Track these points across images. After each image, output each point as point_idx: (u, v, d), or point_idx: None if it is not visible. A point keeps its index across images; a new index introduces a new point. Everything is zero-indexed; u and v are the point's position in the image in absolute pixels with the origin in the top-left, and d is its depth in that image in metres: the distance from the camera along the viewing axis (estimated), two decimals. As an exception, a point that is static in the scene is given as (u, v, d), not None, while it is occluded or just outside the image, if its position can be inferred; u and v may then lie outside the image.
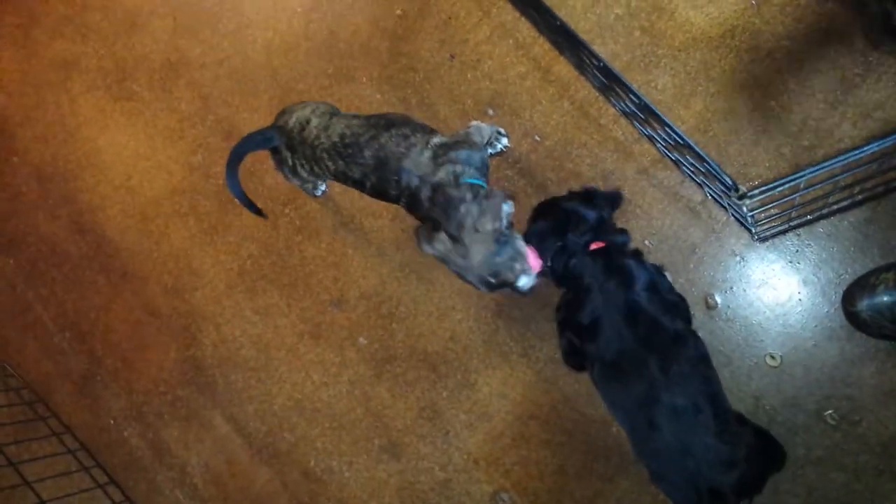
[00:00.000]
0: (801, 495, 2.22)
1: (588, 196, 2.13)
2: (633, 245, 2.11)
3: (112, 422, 3.12)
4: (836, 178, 1.46)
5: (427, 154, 2.02)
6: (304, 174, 2.25)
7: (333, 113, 2.23)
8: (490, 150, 2.53)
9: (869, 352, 2.18)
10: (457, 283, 2.60)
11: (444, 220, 1.95)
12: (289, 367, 2.84)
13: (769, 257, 2.29)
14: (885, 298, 2.04)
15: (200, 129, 3.02)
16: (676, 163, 2.05)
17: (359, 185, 2.14)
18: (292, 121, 2.20)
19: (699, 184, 1.93)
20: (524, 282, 1.96)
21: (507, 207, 1.91)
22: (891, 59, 2.17)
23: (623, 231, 2.10)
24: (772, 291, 2.28)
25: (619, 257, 1.96)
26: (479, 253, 1.89)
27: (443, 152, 2.02)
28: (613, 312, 1.86)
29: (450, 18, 2.67)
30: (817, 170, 1.24)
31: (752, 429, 1.93)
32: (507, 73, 2.59)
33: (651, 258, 2.37)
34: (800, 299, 2.25)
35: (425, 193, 1.99)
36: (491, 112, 2.59)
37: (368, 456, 2.71)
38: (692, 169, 1.73)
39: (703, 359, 1.89)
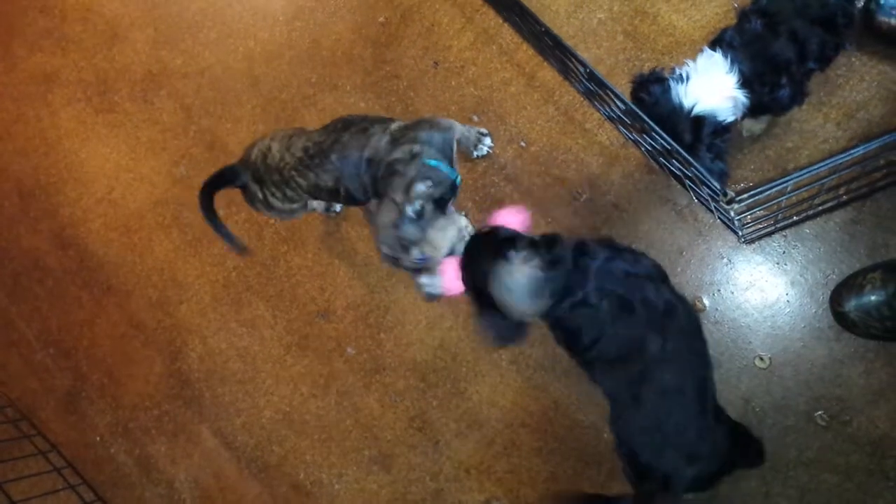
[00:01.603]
0: (793, 497, 2.21)
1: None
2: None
3: (98, 438, 3.08)
4: (823, 181, 1.46)
5: (386, 139, 2.00)
6: (279, 203, 2.23)
7: (294, 134, 2.20)
8: (476, 154, 2.52)
9: (857, 351, 2.17)
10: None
11: (386, 188, 1.93)
12: (276, 379, 2.82)
13: (756, 259, 2.29)
14: (873, 298, 2.05)
15: (183, 140, 3.00)
16: (662, 166, 2.04)
17: (334, 194, 2.13)
18: (254, 153, 2.18)
19: (685, 187, 1.93)
20: (424, 280, 1.91)
21: (422, 187, 1.86)
22: (873, 59, 2.18)
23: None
24: (759, 293, 2.28)
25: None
26: (382, 217, 1.88)
27: (401, 134, 2.00)
28: (608, 328, 1.77)
29: (433, 25, 2.66)
30: (804, 173, 1.24)
31: (727, 426, 1.91)
32: (491, 79, 2.58)
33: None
34: (788, 300, 2.25)
35: (382, 173, 1.97)
36: (476, 118, 2.58)
37: (358, 467, 2.69)
38: (678, 172, 1.72)
39: (695, 331, 1.86)
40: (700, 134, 1.80)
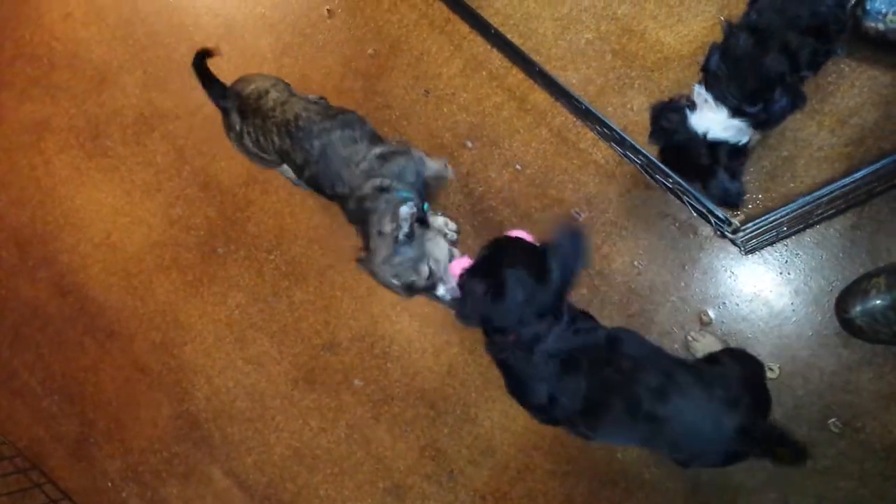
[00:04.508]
0: (811, 506, 2.22)
1: (538, 263, 1.76)
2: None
3: (109, 484, 3.06)
4: (821, 200, 1.46)
5: (363, 166, 2.06)
6: (250, 144, 2.26)
7: (295, 93, 2.26)
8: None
9: (866, 357, 2.17)
10: (451, 316, 2.57)
11: (364, 233, 2.01)
12: (285, 415, 2.80)
13: (759, 270, 2.29)
14: (879, 302, 2.04)
15: (177, 181, 2.99)
16: (659, 183, 2.04)
17: (297, 169, 2.18)
18: (250, 88, 2.22)
19: (683, 202, 1.93)
20: (442, 291, 1.97)
21: (406, 209, 1.91)
22: (863, 65, 2.18)
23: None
24: (764, 304, 2.28)
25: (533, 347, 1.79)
26: (379, 255, 1.92)
27: (378, 165, 2.06)
28: (558, 385, 1.79)
29: (422, 54, 2.66)
30: (804, 204, 1.24)
31: (729, 357, 1.91)
32: (482, 104, 2.58)
33: (640, 279, 2.37)
34: (793, 309, 2.25)
35: (351, 206, 2.06)
36: (469, 144, 2.58)
37: (373, 500, 2.68)
38: (677, 188, 1.73)
39: (642, 342, 1.88)
40: (717, 156, 1.85)
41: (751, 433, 1.69)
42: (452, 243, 2.53)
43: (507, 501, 2.51)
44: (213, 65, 2.94)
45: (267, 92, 2.21)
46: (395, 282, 1.94)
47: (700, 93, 1.87)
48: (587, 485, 2.43)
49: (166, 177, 3.02)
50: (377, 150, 2.11)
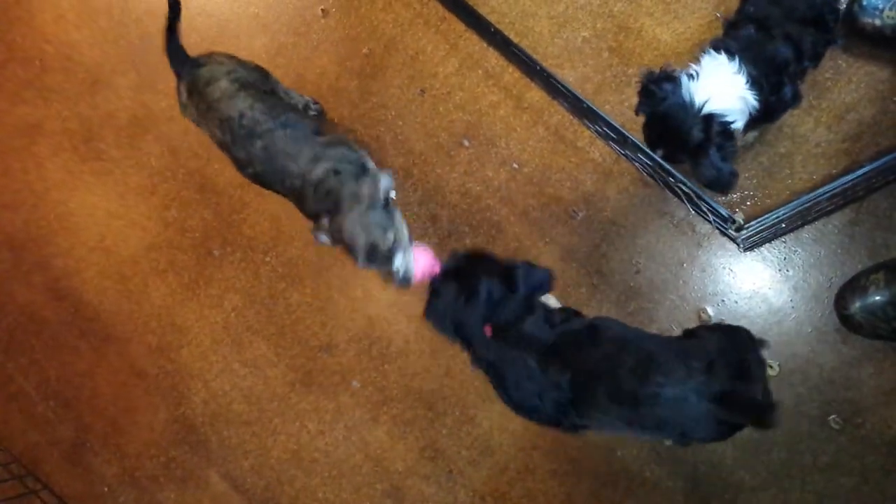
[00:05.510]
0: (811, 503, 2.21)
1: (508, 275, 1.89)
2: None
3: (106, 489, 3.04)
4: (819, 198, 1.45)
5: (307, 153, 2.07)
6: (191, 118, 2.24)
7: (245, 85, 2.18)
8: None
9: (866, 353, 2.17)
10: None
11: (335, 208, 2.01)
12: (282, 418, 2.79)
13: (758, 267, 2.28)
14: (878, 298, 2.04)
15: (172, 184, 2.97)
16: (657, 181, 2.04)
17: (239, 164, 2.16)
18: (204, 69, 2.18)
19: (681, 199, 1.93)
20: (399, 262, 1.97)
21: (386, 181, 1.96)
22: (859, 60, 2.18)
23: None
24: (763, 301, 2.28)
25: (515, 331, 1.85)
26: (353, 212, 1.94)
27: (323, 150, 2.08)
28: (543, 379, 1.79)
29: (417, 53, 2.65)
30: (805, 202, 1.23)
31: (707, 330, 1.90)
32: (479, 103, 2.57)
33: (639, 277, 2.37)
34: (792, 306, 2.25)
35: (309, 192, 2.06)
36: (466, 143, 2.57)
37: (371, 502, 2.66)
38: (678, 186, 1.72)
39: (623, 327, 1.89)
40: (710, 132, 1.77)
41: (731, 399, 1.64)
42: None
43: (506, 501, 2.50)
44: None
45: (218, 80, 2.15)
46: (360, 240, 1.93)
47: (716, 56, 1.80)
48: (588, 485, 2.42)
49: (161, 179, 3.00)
50: (320, 139, 2.14)
